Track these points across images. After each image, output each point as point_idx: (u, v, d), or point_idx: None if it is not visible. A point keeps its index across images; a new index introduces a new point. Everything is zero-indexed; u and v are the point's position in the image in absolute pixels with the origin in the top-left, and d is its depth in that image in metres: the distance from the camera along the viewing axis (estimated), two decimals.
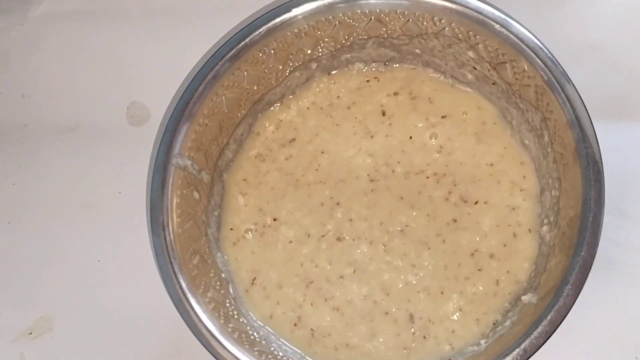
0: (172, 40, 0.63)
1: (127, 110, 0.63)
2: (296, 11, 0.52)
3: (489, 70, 0.54)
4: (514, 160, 0.55)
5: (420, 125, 0.57)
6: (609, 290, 0.55)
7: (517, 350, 0.46)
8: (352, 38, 0.55)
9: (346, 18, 0.53)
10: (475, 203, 0.55)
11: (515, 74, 0.52)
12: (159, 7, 0.64)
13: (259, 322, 0.54)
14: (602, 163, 0.48)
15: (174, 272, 0.49)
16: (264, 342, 0.52)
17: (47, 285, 0.59)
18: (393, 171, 0.56)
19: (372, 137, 0.57)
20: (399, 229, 0.55)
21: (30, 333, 0.59)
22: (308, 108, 0.58)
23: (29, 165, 0.63)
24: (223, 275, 0.54)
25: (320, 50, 0.55)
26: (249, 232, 0.56)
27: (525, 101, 0.53)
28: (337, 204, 0.56)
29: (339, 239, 0.55)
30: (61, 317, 0.59)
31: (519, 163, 0.55)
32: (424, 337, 0.53)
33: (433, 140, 0.56)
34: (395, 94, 0.58)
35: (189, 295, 0.49)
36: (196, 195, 0.53)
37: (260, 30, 0.52)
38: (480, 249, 0.54)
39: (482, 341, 0.52)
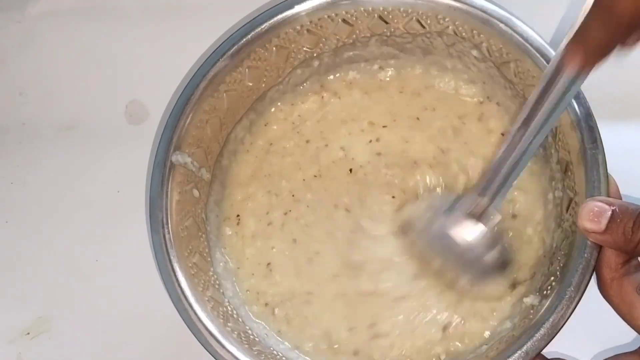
0: (171, 37, 0.63)
1: (125, 108, 0.63)
2: (299, 8, 0.52)
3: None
4: None
5: None
6: None
7: (519, 352, 0.45)
8: (354, 36, 0.55)
9: (349, 15, 0.53)
10: None
11: (520, 73, 0.52)
12: (158, 4, 0.64)
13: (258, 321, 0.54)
14: (606, 164, 0.47)
15: (173, 270, 0.49)
16: (263, 341, 0.52)
17: (45, 285, 0.59)
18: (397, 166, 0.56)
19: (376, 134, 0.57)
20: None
21: (28, 333, 0.58)
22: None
23: (27, 164, 0.62)
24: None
25: (322, 47, 0.55)
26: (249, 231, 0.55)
27: None
28: (346, 209, 0.55)
29: (350, 241, 0.55)
30: (59, 317, 0.58)
31: None
32: None
33: None
34: (400, 92, 0.57)
35: (188, 294, 0.49)
36: (196, 192, 0.53)
37: (262, 27, 0.52)
38: None
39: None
